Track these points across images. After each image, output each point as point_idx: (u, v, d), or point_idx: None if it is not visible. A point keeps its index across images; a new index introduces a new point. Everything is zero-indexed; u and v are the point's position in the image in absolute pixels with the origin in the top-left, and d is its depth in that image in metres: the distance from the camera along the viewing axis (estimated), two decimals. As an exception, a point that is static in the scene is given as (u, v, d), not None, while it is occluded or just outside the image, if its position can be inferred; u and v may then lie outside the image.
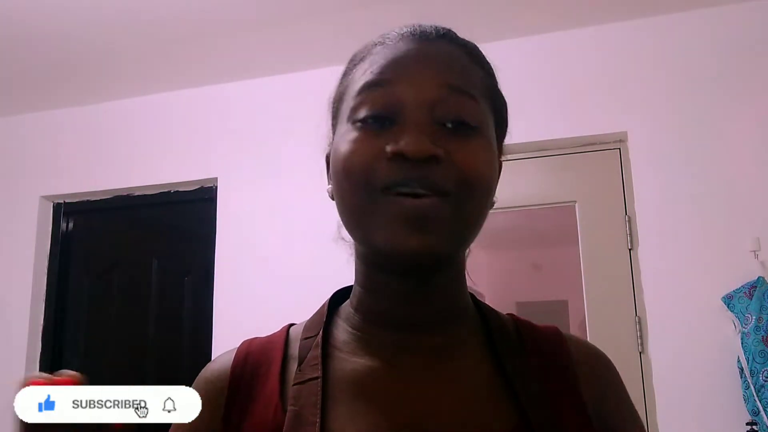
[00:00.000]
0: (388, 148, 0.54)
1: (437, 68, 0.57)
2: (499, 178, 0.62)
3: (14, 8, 2.27)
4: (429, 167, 0.53)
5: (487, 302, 0.68)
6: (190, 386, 0.64)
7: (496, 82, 0.64)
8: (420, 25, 0.62)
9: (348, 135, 0.57)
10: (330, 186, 0.62)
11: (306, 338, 0.62)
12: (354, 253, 0.64)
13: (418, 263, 0.56)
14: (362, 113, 0.56)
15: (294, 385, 0.58)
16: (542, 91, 2.42)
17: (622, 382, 0.66)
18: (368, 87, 0.57)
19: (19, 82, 2.86)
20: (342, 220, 0.60)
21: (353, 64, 0.63)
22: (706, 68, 2.30)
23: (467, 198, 0.55)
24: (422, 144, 0.53)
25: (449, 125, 0.56)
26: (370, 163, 0.55)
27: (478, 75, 0.61)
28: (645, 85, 2.35)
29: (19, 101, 3.03)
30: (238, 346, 0.65)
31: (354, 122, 0.57)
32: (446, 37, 0.62)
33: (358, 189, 0.55)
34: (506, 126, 0.65)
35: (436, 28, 0.62)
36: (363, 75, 0.59)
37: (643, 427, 0.64)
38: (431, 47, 0.60)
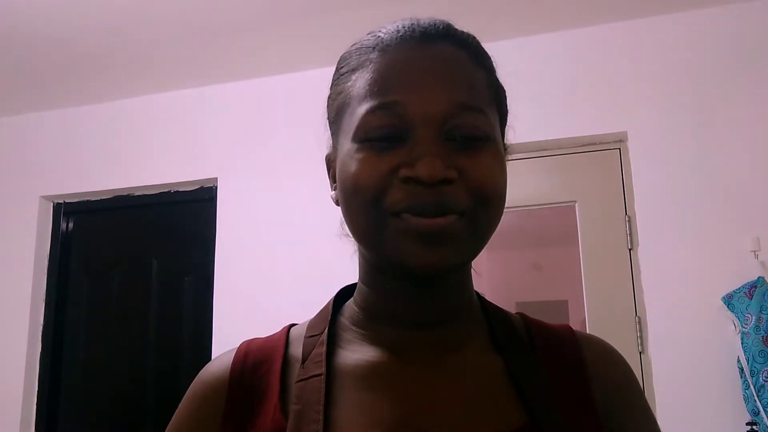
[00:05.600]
0: (402, 173, 0.53)
1: (443, 82, 0.56)
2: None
3: (14, 9, 2.27)
4: (442, 189, 0.53)
5: (487, 302, 0.68)
6: (189, 386, 0.64)
7: (496, 74, 0.63)
8: (417, 22, 0.60)
9: (356, 154, 0.56)
10: (334, 192, 0.62)
11: (310, 336, 0.62)
12: (358, 251, 0.63)
13: (431, 276, 0.56)
14: (369, 133, 0.56)
15: (297, 382, 0.57)
16: (542, 91, 2.41)
17: (636, 381, 0.65)
18: (375, 109, 0.56)
19: (19, 83, 2.85)
20: (351, 233, 0.60)
21: (350, 68, 0.60)
22: (706, 68, 2.30)
23: (482, 212, 0.55)
24: (436, 168, 0.52)
25: (458, 139, 0.55)
26: (381, 185, 0.54)
27: (482, 79, 0.60)
28: (645, 85, 2.35)
29: (20, 101, 3.03)
30: (236, 346, 0.64)
31: (361, 141, 0.56)
32: (447, 36, 0.59)
33: (369, 211, 0.55)
34: (507, 113, 0.64)
35: (435, 24, 0.60)
36: (367, 90, 0.57)
37: (657, 428, 0.63)
38: (434, 54, 0.58)
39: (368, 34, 0.61)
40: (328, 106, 0.64)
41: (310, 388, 0.56)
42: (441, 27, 0.60)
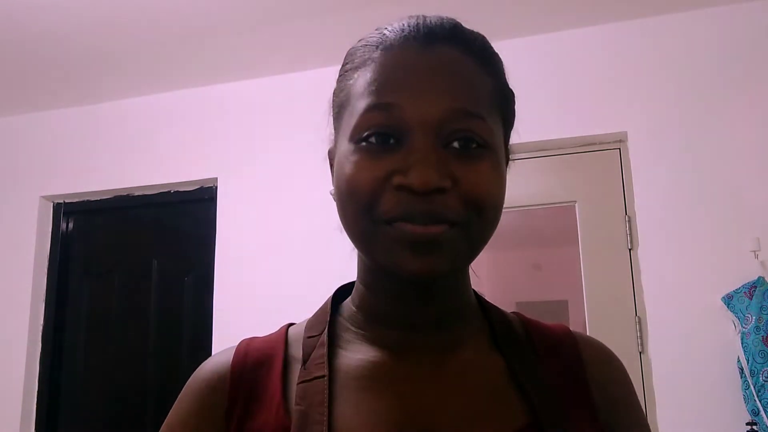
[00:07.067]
0: (395, 181, 0.53)
1: (443, 87, 0.55)
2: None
3: (14, 8, 2.27)
4: (435, 198, 0.53)
5: (486, 302, 0.68)
6: (187, 382, 0.64)
7: (505, 79, 0.62)
8: (424, 21, 0.59)
9: (351, 156, 0.56)
10: (333, 188, 0.62)
11: (310, 337, 0.62)
12: (357, 250, 0.63)
13: (421, 282, 0.56)
14: (366, 133, 0.55)
15: (299, 383, 0.57)
16: (542, 91, 2.41)
17: (631, 383, 0.65)
18: (372, 109, 0.55)
19: (19, 82, 2.86)
20: (346, 233, 0.59)
21: (354, 65, 0.60)
22: (706, 68, 2.30)
23: (475, 223, 0.55)
24: (429, 177, 0.52)
25: (456, 145, 0.55)
26: (375, 191, 0.54)
27: (486, 85, 0.58)
28: (645, 85, 2.35)
29: (19, 101, 3.03)
30: (235, 345, 0.64)
31: (357, 142, 0.56)
32: (453, 38, 0.58)
33: (363, 216, 0.55)
34: (513, 120, 0.64)
35: (442, 23, 0.59)
36: (366, 90, 0.56)
37: (647, 426, 0.63)
38: (436, 58, 0.57)
39: (375, 30, 0.61)
40: (332, 101, 0.64)
41: (313, 390, 0.56)
42: (448, 27, 0.59)
